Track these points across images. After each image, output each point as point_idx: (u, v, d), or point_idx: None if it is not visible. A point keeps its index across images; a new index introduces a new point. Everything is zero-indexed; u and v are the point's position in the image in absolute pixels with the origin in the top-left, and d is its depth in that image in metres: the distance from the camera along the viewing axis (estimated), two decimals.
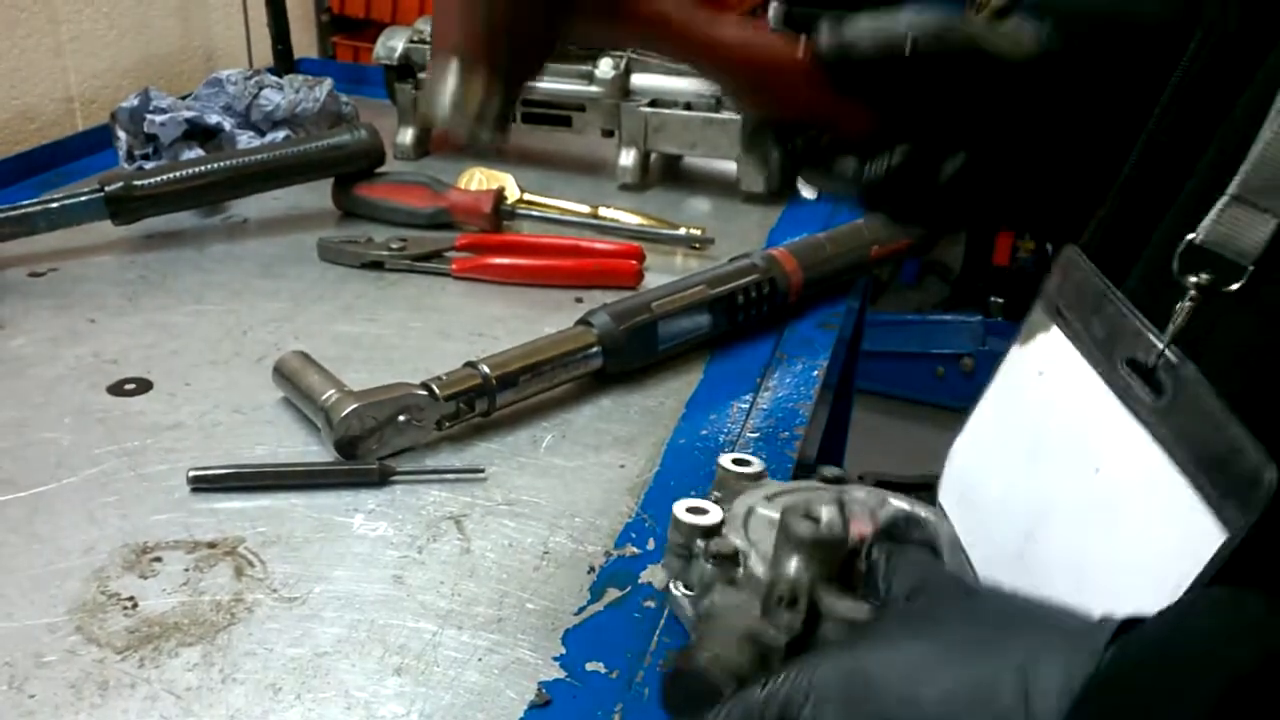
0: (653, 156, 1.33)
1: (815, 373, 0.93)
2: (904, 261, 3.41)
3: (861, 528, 0.56)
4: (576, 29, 0.63)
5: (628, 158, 1.31)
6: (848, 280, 1.08)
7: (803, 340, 0.99)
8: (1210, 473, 0.44)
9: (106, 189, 1.08)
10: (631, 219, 1.19)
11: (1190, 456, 0.45)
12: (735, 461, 0.69)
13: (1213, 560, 0.42)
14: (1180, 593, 0.43)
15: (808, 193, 1.35)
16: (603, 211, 1.20)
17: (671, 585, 0.65)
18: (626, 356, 0.89)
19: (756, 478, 0.68)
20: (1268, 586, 0.38)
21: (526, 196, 1.24)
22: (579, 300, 1.03)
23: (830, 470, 0.68)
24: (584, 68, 1.30)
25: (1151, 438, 0.47)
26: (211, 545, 0.69)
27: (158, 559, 0.68)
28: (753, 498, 0.65)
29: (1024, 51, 0.63)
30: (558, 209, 1.22)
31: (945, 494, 0.63)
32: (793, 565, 0.54)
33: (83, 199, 1.08)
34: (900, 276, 3.98)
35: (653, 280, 1.05)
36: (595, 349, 0.87)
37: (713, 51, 0.66)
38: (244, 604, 0.65)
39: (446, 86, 0.58)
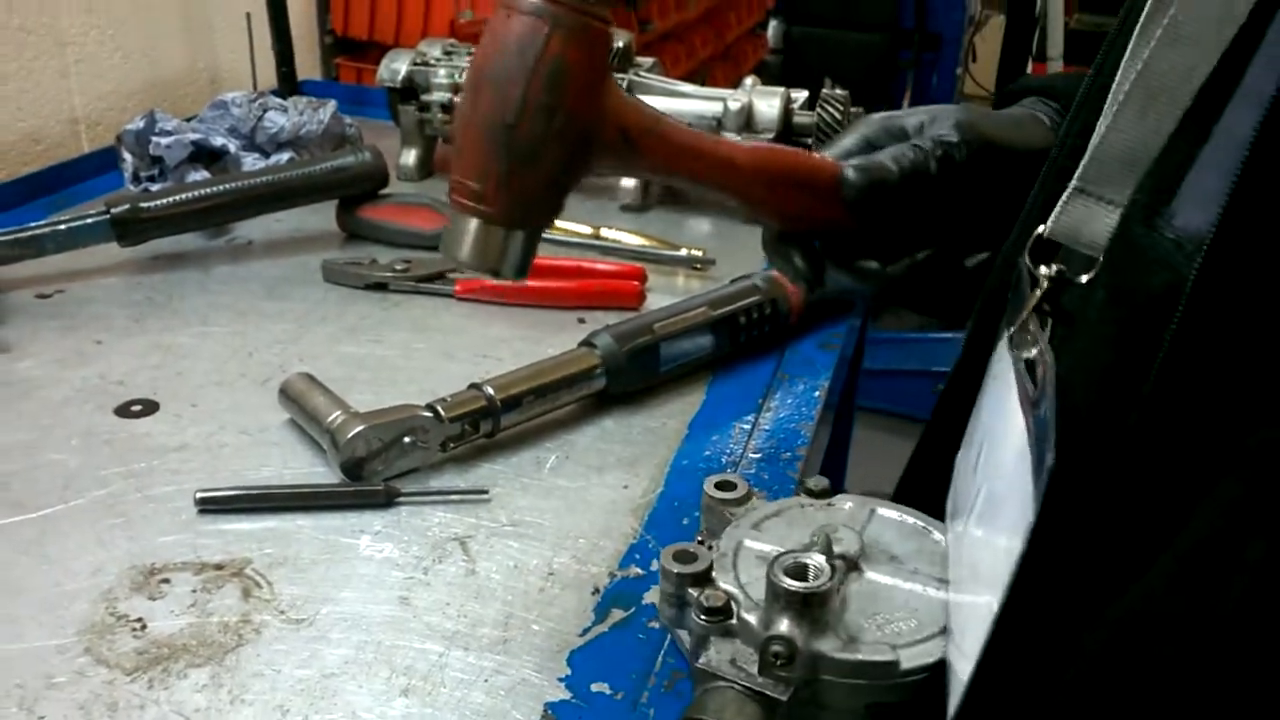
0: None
1: (817, 393, 0.94)
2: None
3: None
4: (594, 172, 0.65)
5: (629, 180, 1.32)
6: (849, 300, 1.09)
7: (804, 360, 0.99)
8: (1037, 461, 0.45)
9: (113, 211, 1.09)
10: (633, 240, 1.20)
11: (1036, 448, 0.46)
12: (719, 485, 0.69)
13: (1022, 551, 0.42)
14: (1002, 589, 0.43)
15: None
16: (605, 232, 1.21)
17: (672, 627, 0.65)
18: (629, 378, 0.89)
19: (742, 501, 0.68)
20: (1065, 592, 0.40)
21: None
22: (582, 321, 1.04)
23: (816, 482, 0.68)
24: None
25: (1024, 429, 0.48)
26: (219, 567, 0.70)
27: (165, 580, 0.69)
28: (740, 529, 0.65)
29: (1041, 142, 0.69)
30: (560, 230, 1.23)
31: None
32: (784, 624, 0.54)
33: (89, 221, 1.09)
34: None
35: (655, 301, 1.06)
36: (598, 370, 0.88)
37: (729, 176, 0.69)
38: (251, 625, 0.65)
39: (466, 238, 0.59)
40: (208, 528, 0.74)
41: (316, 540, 0.73)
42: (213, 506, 0.75)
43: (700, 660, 0.58)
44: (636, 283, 1.09)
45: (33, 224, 1.09)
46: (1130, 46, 0.46)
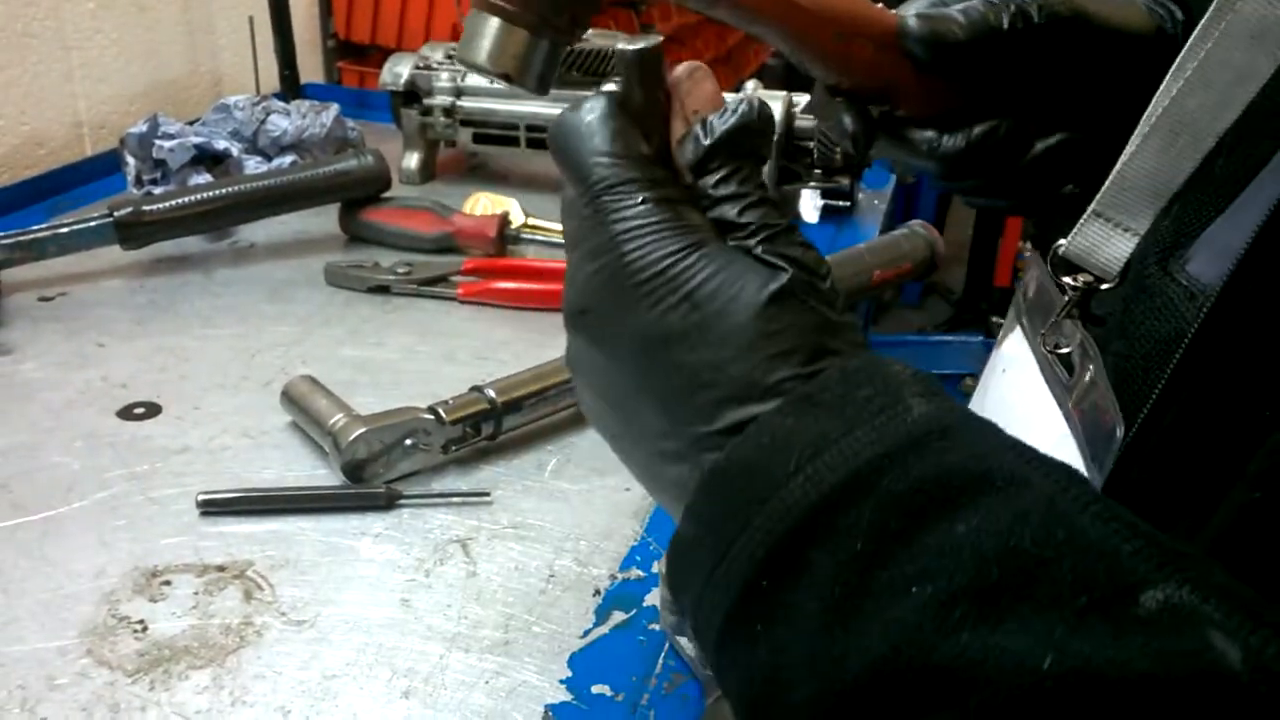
0: None
1: None
2: (906, 283, 3.42)
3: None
4: None
5: None
6: (850, 304, 1.09)
7: None
8: (1090, 441, 0.45)
9: (115, 214, 1.09)
10: None
11: (1084, 431, 0.47)
12: None
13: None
14: None
15: (810, 216, 1.36)
16: None
17: (671, 635, 0.65)
18: None
19: None
20: None
21: (531, 221, 1.25)
22: None
23: None
24: (588, 93, 1.31)
25: (1062, 415, 0.49)
26: (221, 569, 0.70)
27: (167, 582, 0.69)
28: None
29: (1140, 27, 0.62)
30: (562, 233, 1.23)
31: None
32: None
33: (92, 224, 1.09)
34: (903, 297, 3.99)
35: None
36: None
37: (787, 14, 0.60)
38: (253, 627, 0.65)
39: (485, 39, 0.54)
40: (209, 530, 0.74)
41: (318, 542, 0.73)
42: (215, 509, 0.75)
43: (707, 669, 0.58)
44: None
45: (36, 227, 1.09)
46: (1168, 77, 0.46)
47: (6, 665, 0.62)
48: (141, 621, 0.65)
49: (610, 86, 0.45)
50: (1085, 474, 0.44)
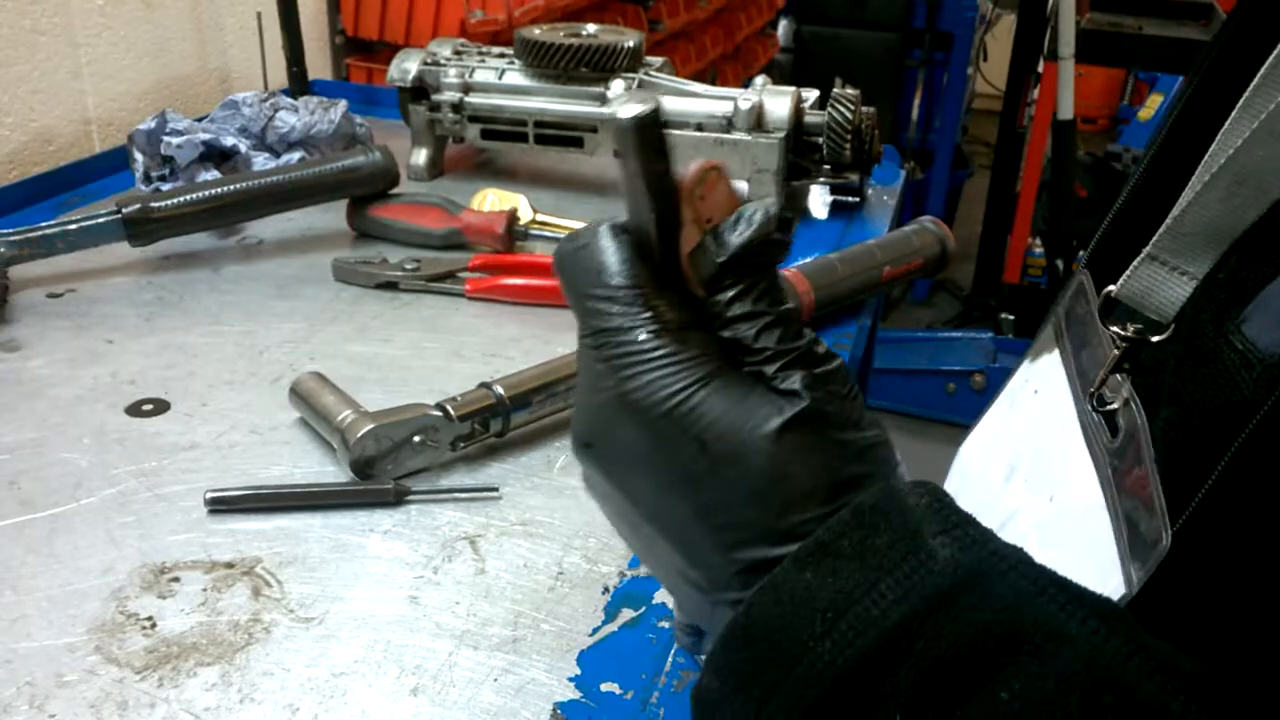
0: None
1: None
2: (916, 279, 3.44)
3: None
4: None
5: None
6: (859, 300, 1.09)
7: None
8: (1129, 526, 0.43)
9: (124, 211, 1.09)
10: None
11: (1121, 507, 0.44)
12: None
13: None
14: None
15: (819, 212, 1.36)
16: None
17: (691, 654, 0.64)
18: None
19: None
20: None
21: (539, 217, 1.25)
22: None
23: None
24: (596, 89, 1.31)
25: (1098, 479, 0.46)
26: (229, 565, 0.70)
27: (175, 579, 0.69)
28: None
29: None
30: (570, 229, 1.23)
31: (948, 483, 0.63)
32: None
33: (100, 220, 1.09)
34: (911, 294, 3.99)
35: None
36: None
37: None
38: (261, 624, 0.65)
39: None
40: (218, 527, 0.74)
41: (326, 539, 0.73)
42: (223, 506, 0.75)
43: None
44: None
45: (44, 223, 1.09)
46: (1231, 118, 0.44)
47: (15, 662, 0.62)
48: (150, 618, 0.65)
49: (609, 223, 0.42)
50: (1116, 561, 0.41)
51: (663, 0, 2.64)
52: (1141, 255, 0.45)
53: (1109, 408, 0.47)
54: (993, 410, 0.61)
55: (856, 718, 0.33)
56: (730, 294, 0.40)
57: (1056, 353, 0.55)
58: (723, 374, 0.39)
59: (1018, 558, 0.35)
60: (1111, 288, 0.46)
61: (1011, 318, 3.36)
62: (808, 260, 1.07)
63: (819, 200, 1.37)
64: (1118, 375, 0.46)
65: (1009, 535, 0.47)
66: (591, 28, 1.37)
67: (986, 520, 0.45)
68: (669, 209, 0.41)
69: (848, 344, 1.02)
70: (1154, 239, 0.45)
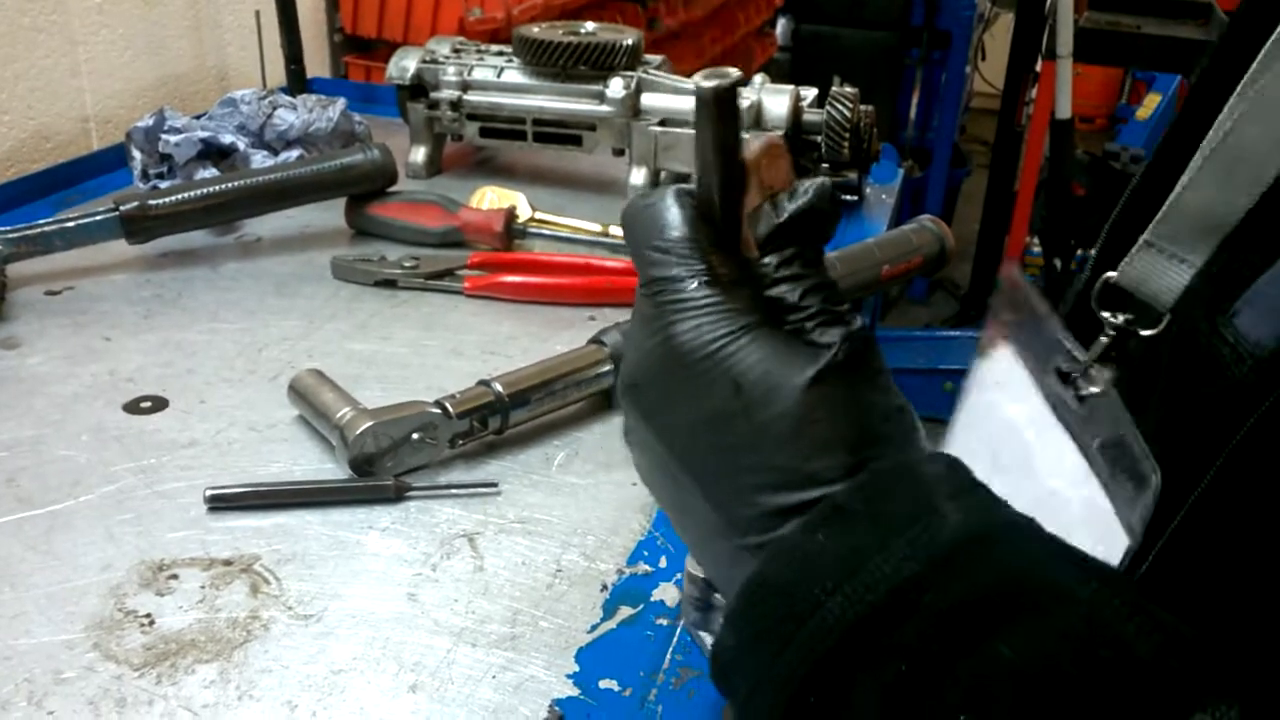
0: (663, 175, 1.34)
1: None
2: (914, 278, 3.44)
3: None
4: None
5: (638, 176, 1.32)
6: (858, 299, 1.09)
7: None
8: (1116, 481, 0.44)
9: (122, 208, 1.09)
10: None
11: (1104, 464, 0.45)
12: None
13: (1121, 567, 0.42)
14: None
15: None
16: (613, 230, 1.21)
17: (693, 631, 0.64)
18: None
19: None
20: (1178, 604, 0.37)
21: (538, 215, 1.25)
22: (591, 319, 1.04)
23: None
24: (595, 87, 1.31)
25: (1075, 444, 0.47)
26: (227, 563, 0.70)
27: (174, 576, 0.69)
28: None
29: None
30: (569, 227, 1.23)
31: None
32: None
33: (98, 218, 1.09)
34: (910, 293, 3.99)
35: None
36: (607, 367, 0.87)
37: None
38: (260, 621, 0.65)
39: None
40: (216, 524, 0.74)
41: (325, 536, 0.73)
42: (222, 503, 0.75)
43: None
44: None
45: (42, 221, 1.09)
46: (1229, 104, 0.44)
47: (13, 658, 0.62)
48: (148, 615, 0.65)
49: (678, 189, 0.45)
50: (1113, 517, 0.42)
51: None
52: (1140, 242, 0.46)
53: (1089, 392, 0.47)
54: (958, 416, 0.61)
55: (864, 668, 0.34)
56: (781, 256, 0.42)
57: (1004, 345, 0.55)
58: (764, 325, 0.41)
59: (1027, 523, 0.36)
60: (1111, 274, 0.47)
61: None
62: None
63: None
64: (1075, 351, 0.47)
65: None
66: (590, 26, 1.37)
67: None
68: (736, 174, 0.44)
69: None
70: (1151, 225, 0.45)
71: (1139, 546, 0.41)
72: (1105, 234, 0.61)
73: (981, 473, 0.53)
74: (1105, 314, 0.47)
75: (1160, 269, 0.45)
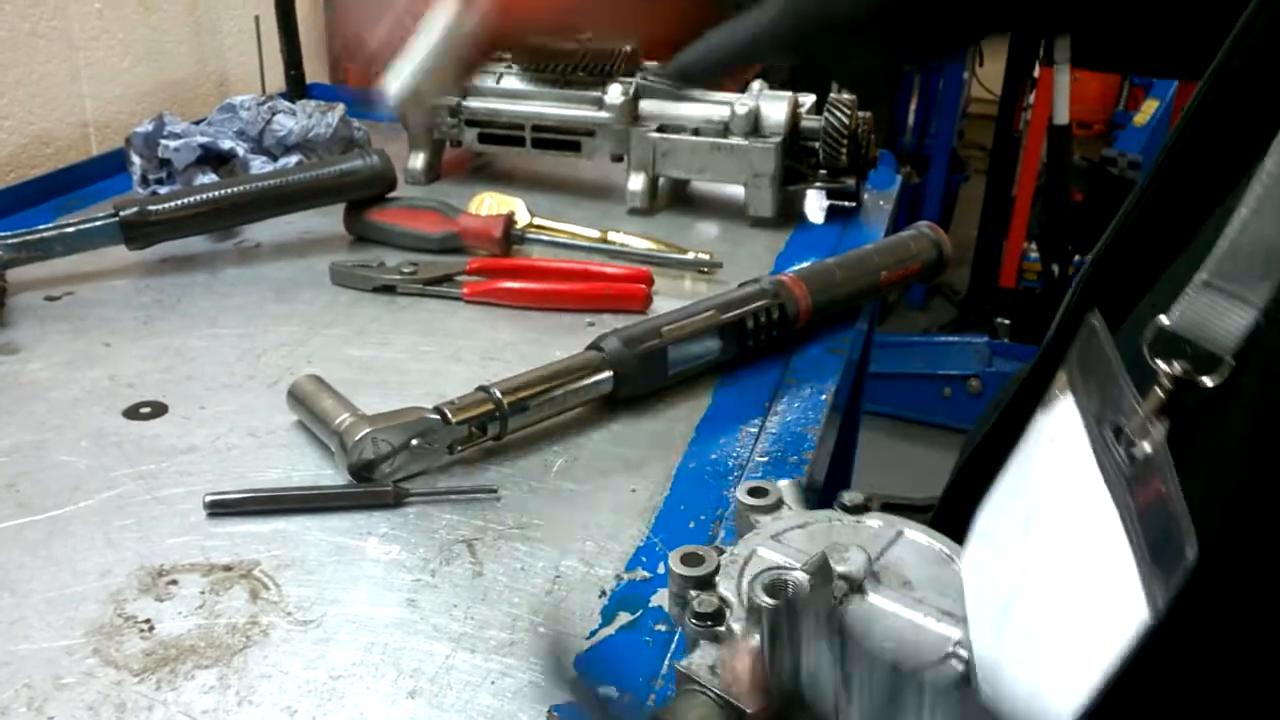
0: (661, 181, 1.35)
1: (823, 397, 0.94)
2: (911, 284, 3.44)
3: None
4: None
5: (636, 182, 1.32)
6: (856, 305, 1.09)
7: (811, 364, 0.99)
8: (1151, 546, 0.41)
9: (121, 214, 1.09)
10: (640, 243, 1.20)
11: (1141, 529, 0.42)
12: (750, 492, 0.66)
13: (1131, 643, 0.39)
14: (1098, 679, 0.39)
15: (815, 217, 1.36)
16: (612, 236, 1.21)
17: (680, 626, 0.64)
18: (637, 381, 0.89)
19: (772, 508, 0.66)
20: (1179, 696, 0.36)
21: (536, 221, 1.25)
22: (590, 324, 1.04)
23: (851, 497, 0.66)
24: (593, 93, 1.32)
25: (1114, 505, 0.44)
26: (227, 568, 0.70)
27: (174, 582, 0.69)
28: (759, 537, 0.63)
29: None
30: (567, 233, 1.23)
31: (964, 564, 0.60)
32: (757, 638, 0.53)
33: (98, 224, 1.09)
34: (907, 298, 3.99)
35: (661, 304, 1.06)
36: (606, 374, 0.88)
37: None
38: (259, 627, 0.65)
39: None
40: (216, 529, 0.74)
41: (324, 542, 0.73)
42: (221, 509, 0.75)
43: (682, 661, 0.58)
44: (643, 286, 1.09)
45: (42, 226, 1.09)
46: None
47: (13, 664, 0.62)
48: (148, 621, 0.66)
49: None
50: (1136, 585, 0.40)
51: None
52: (1198, 282, 0.42)
53: (1138, 450, 0.44)
54: (1009, 469, 0.57)
55: None
56: None
57: (1068, 396, 0.52)
58: None
59: None
60: (1164, 319, 0.43)
61: (1007, 322, 3.36)
62: (805, 265, 1.07)
63: (815, 205, 1.38)
64: (1133, 401, 0.44)
65: (1024, 592, 0.45)
66: (588, 32, 1.37)
67: (1002, 580, 0.44)
68: None
69: (844, 348, 1.02)
70: (1208, 263, 0.42)
71: (1159, 623, 0.38)
72: (1106, 245, 0.60)
73: (1011, 534, 0.51)
74: (1161, 363, 0.43)
75: (1221, 311, 0.42)
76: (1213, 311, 0.42)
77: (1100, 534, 0.44)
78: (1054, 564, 0.48)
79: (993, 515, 0.57)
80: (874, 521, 0.63)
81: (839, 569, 0.57)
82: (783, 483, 0.67)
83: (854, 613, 0.56)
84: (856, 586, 0.57)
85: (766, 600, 0.52)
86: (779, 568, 0.56)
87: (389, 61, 0.77)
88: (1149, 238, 0.56)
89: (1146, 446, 0.43)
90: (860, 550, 0.58)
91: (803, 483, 0.67)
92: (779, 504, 0.66)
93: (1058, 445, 0.51)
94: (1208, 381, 0.42)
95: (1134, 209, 0.58)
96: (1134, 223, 0.58)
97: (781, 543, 0.61)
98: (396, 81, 0.77)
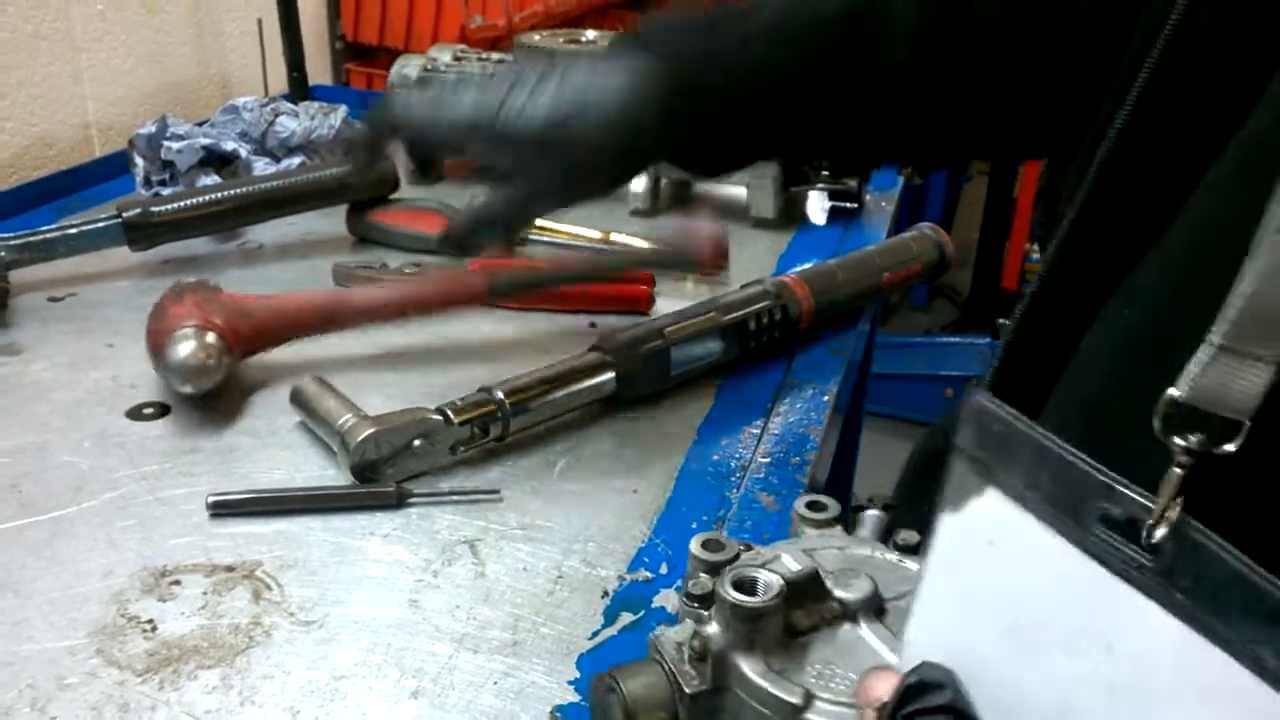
0: (663, 182, 1.35)
1: (826, 398, 0.94)
2: (913, 285, 3.44)
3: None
4: None
5: (639, 184, 1.32)
6: (858, 306, 1.09)
7: (813, 365, 0.99)
8: (1232, 623, 0.36)
9: (124, 215, 1.09)
10: (643, 245, 1.20)
11: (1225, 624, 0.37)
12: (809, 505, 0.64)
13: None
14: None
15: (818, 218, 1.36)
16: (614, 237, 1.21)
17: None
18: (640, 382, 0.90)
19: (826, 524, 0.64)
20: None
21: (538, 222, 1.25)
22: (592, 325, 1.04)
23: (905, 536, 0.63)
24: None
25: (1160, 606, 0.39)
26: (229, 569, 0.70)
27: (176, 582, 0.69)
28: (793, 545, 0.61)
29: None
30: (570, 234, 1.23)
31: None
32: (713, 626, 0.54)
33: (101, 225, 1.09)
34: (909, 299, 3.99)
35: (664, 306, 1.06)
36: (608, 375, 0.88)
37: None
38: (262, 627, 0.65)
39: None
40: (218, 530, 0.74)
41: (326, 543, 0.73)
42: (224, 509, 0.75)
43: (654, 631, 0.58)
44: (646, 287, 1.09)
45: (45, 228, 1.09)
46: None
47: (16, 664, 0.62)
48: (151, 621, 0.66)
49: None
50: (1245, 673, 0.35)
51: (660, 6, 2.64)
52: (1213, 347, 0.40)
53: (1128, 525, 0.40)
54: (930, 586, 0.49)
55: None
56: None
57: (990, 491, 0.46)
58: None
59: None
60: (1174, 392, 0.40)
61: (1009, 323, 3.36)
62: (807, 266, 1.08)
63: (818, 206, 1.38)
64: (1121, 489, 0.40)
65: (1082, 714, 0.41)
66: (591, 34, 1.38)
67: (1035, 704, 0.42)
68: None
69: (847, 349, 1.02)
70: (1224, 327, 0.39)
71: None
72: (1053, 256, 0.60)
73: (994, 646, 0.46)
74: (1178, 440, 0.40)
75: (1236, 374, 0.39)
76: (1230, 377, 0.39)
77: (1161, 637, 0.39)
78: (1108, 680, 0.42)
79: (939, 638, 0.49)
80: (915, 565, 0.60)
81: (837, 592, 0.56)
82: (869, 513, 0.66)
83: (842, 636, 0.56)
84: (851, 614, 0.57)
85: (732, 594, 0.53)
86: (768, 568, 0.56)
87: None
88: (1056, 319, 0.56)
89: (1162, 530, 0.39)
90: (868, 580, 0.57)
91: (886, 521, 0.67)
92: (834, 520, 0.64)
93: (1006, 548, 0.45)
94: (1230, 448, 0.39)
95: (1046, 277, 0.58)
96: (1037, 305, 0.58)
97: (810, 556, 0.59)
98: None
